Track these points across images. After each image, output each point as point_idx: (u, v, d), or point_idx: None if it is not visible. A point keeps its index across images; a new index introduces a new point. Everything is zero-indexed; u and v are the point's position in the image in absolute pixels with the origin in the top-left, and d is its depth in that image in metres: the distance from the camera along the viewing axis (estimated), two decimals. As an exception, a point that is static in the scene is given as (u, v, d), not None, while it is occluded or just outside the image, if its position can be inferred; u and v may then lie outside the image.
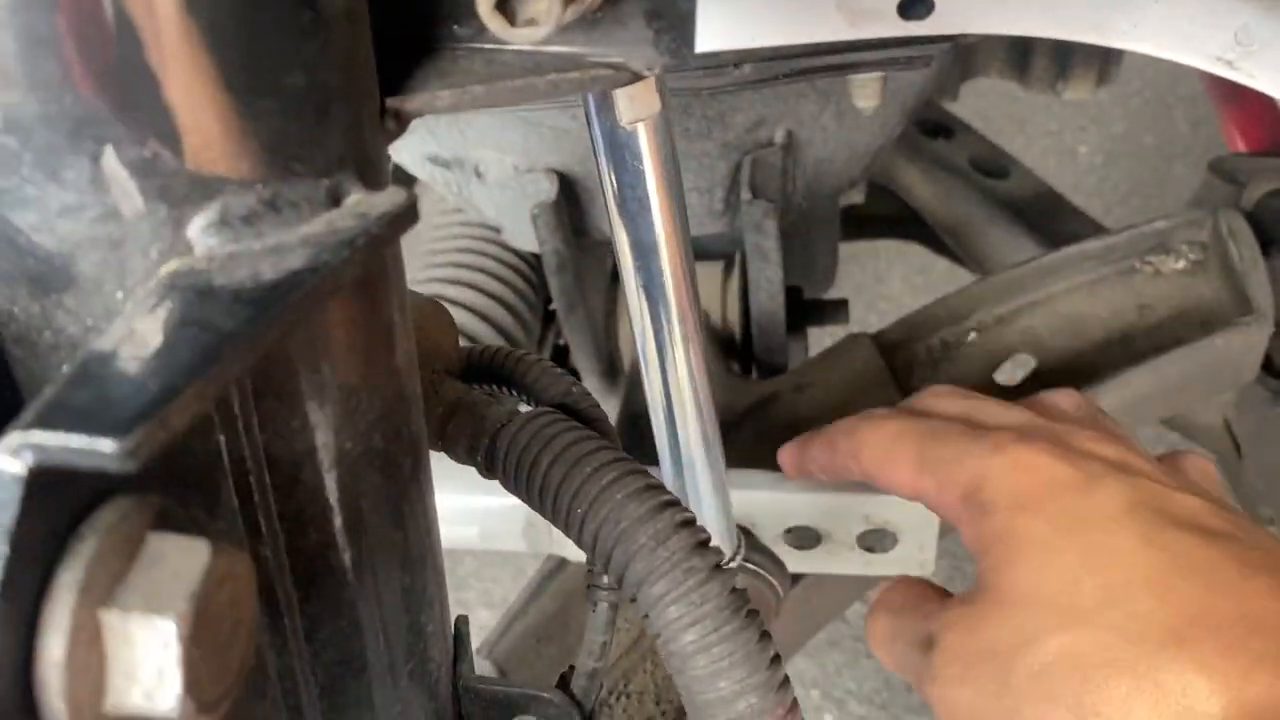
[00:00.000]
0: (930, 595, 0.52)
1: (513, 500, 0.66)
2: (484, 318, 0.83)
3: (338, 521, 0.31)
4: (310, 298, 0.23)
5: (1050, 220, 0.99)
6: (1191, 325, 0.81)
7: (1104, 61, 1.05)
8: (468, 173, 0.76)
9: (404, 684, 0.36)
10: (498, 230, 0.84)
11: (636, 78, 0.32)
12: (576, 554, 0.68)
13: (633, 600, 0.34)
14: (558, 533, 0.67)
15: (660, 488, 0.35)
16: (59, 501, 0.21)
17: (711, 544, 0.34)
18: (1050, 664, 0.42)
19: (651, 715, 0.68)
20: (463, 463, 0.39)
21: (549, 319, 0.91)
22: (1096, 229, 0.97)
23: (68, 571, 0.21)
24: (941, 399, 0.57)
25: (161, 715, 0.22)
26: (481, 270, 0.86)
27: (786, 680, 0.34)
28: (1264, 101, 1.03)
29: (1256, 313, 0.77)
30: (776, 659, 0.34)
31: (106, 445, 0.19)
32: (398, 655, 0.35)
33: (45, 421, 0.20)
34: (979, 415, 0.54)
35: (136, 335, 0.22)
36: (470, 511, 0.66)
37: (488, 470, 0.39)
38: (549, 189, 0.73)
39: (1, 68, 0.22)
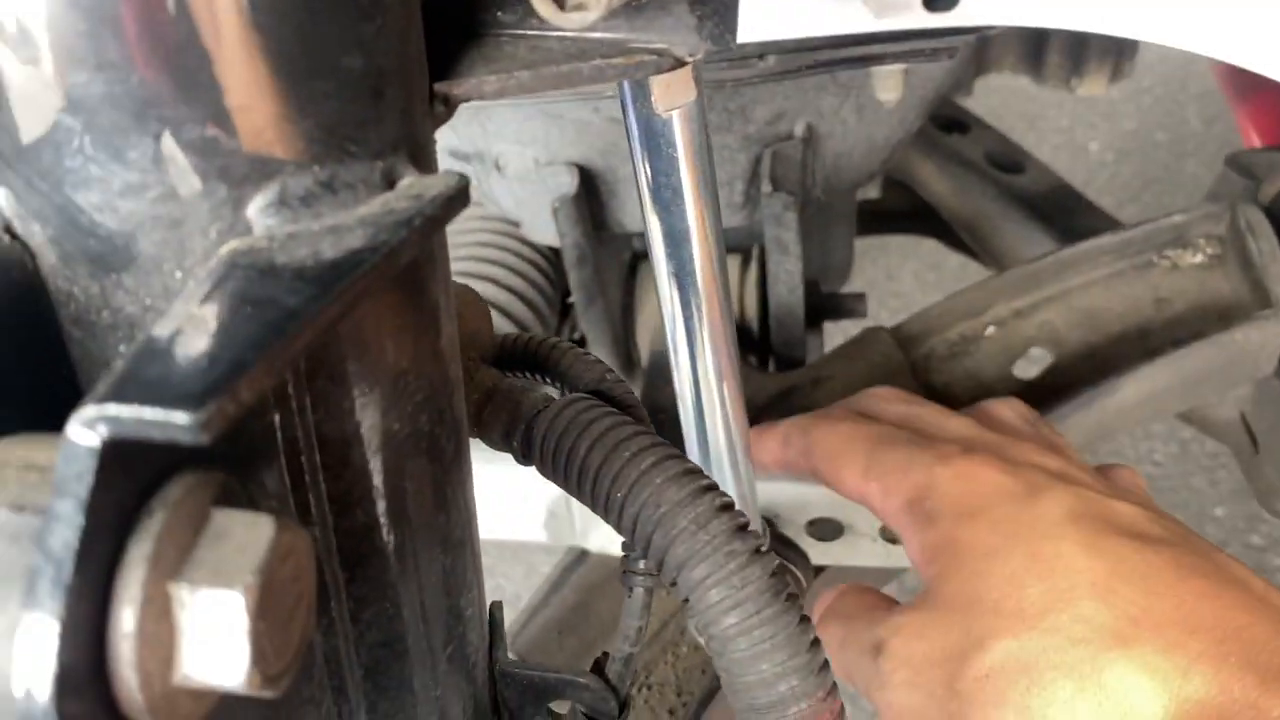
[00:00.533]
0: (879, 603, 0.53)
1: (535, 492, 0.66)
2: (502, 311, 0.84)
3: (383, 503, 0.31)
4: (371, 276, 0.23)
5: (1065, 215, 0.99)
6: (1209, 319, 0.81)
7: (1118, 57, 1.05)
8: (488, 166, 0.76)
9: (443, 667, 0.36)
10: (516, 224, 0.84)
11: (679, 64, 0.32)
12: (597, 546, 0.69)
13: (672, 584, 0.35)
14: (579, 524, 0.68)
15: (699, 472, 0.35)
16: (130, 475, 0.21)
17: (749, 527, 0.34)
18: (997, 668, 0.43)
19: (673, 707, 0.68)
20: (498, 448, 0.40)
21: (565, 312, 0.92)
22: (1112, 224, 0.97)
23: (138, 545, 0.21)
24: (885, 401, 0.59)
25: (230, 685, 0.22)
26: (499, 264, 0.86)
27: (827, 664, 0.34)
28: (1276, 99, 1.03)
29: (1276, 307, 0.77)
30: (816, 642, 0.34)
31: (181, 417, 0.20)
32: (437, 638, 0.35)
33: (119, 395, 0.20)
34: (922, 422, 0.57)
35: (202, 311, 0.22)
36: (492, 503, 0.66)
37: (524, 456, 0.39)
38: (570, 182, 0.73)
39: (70, 48, 0.23)
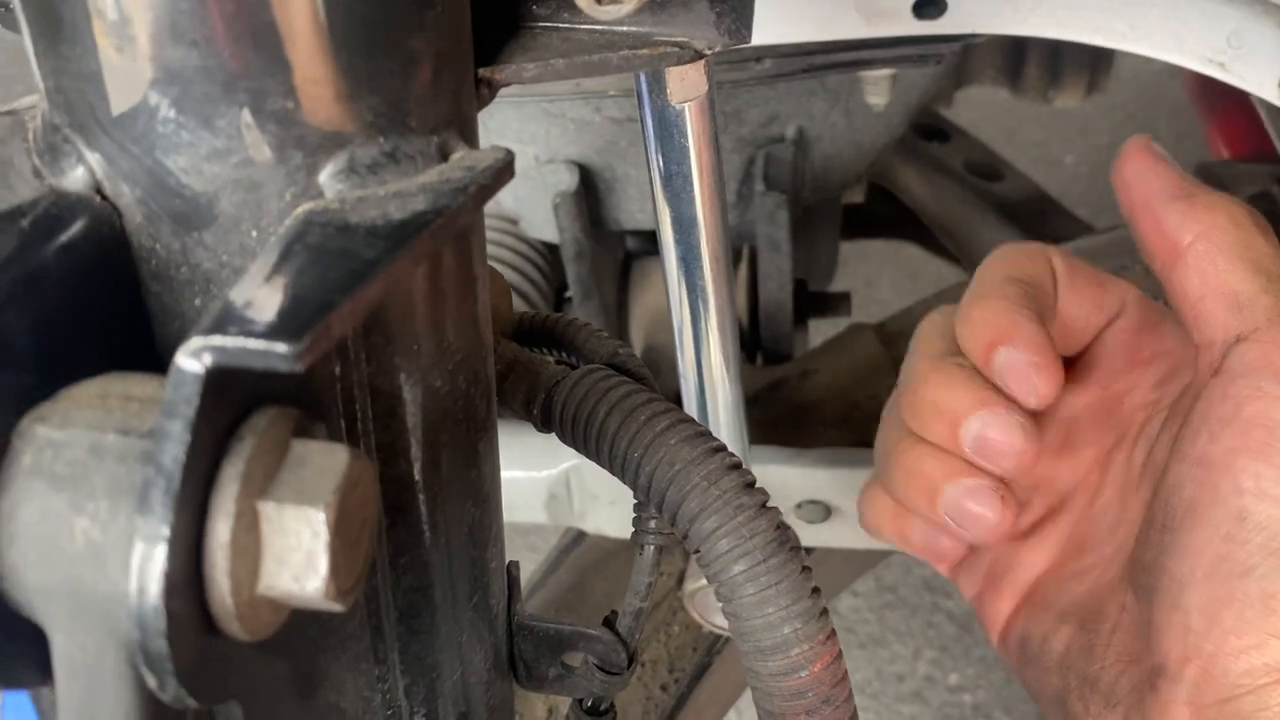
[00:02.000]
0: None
1: (537, 474, 0.69)
2: (500, 305, 0.86)
3: (423, 454, 0.34)
4: (436, 234, 0.26)
5: (1042, 221, 1.03)
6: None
7: (1094, 71, 1.09)
8: (490, 163, 0.79)
9: (468, 615, 0.39)
10: (514, 221, 0.87)
11: (699, 56, 0.35)
12: (595, 527, 0.71)
13: (684, 537, 0.37)
14: (579, 506, 0.70)
15: (709, 434, 0.38)
16: (227, 403, 0.24)
17: (757, 484, 0.37)
18: None
19: (665, 683, 0.71)
20: (519, 417, 0.42)
21: (560, 307, 0.94)
22: (1086, 230, 1.01)
23: (232, 465, 0.24)
24: None
25: (308, 596, 0.24)
26: (497, 259, 0.89)
27: (826, 611, 0.37)
28: (1246, 110, 1.07)
29: (1240, 308, 0.81)
30: (817, 590, 0.37)
31: (280, 347, 0.22)
32: (464, 587, 0.38)
33: (221, 328, 0.23)
34: None
35: (288, 261, 0.25)
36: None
37: (544, 423, 0.41)
38: (570, 179, 0.76)
39: (168, 26, 0.25)
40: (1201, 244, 0.42)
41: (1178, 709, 0.40)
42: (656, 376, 0.82)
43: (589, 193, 0.79)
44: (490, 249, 0.89)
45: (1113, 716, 0.44)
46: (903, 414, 0.49)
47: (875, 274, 1.71)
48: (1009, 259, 0.49)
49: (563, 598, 0.74)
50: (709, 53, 0.35)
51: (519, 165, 0.79)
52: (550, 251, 0.90)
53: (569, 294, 0.84)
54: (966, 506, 0.46)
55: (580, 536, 0.75)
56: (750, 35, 0.35)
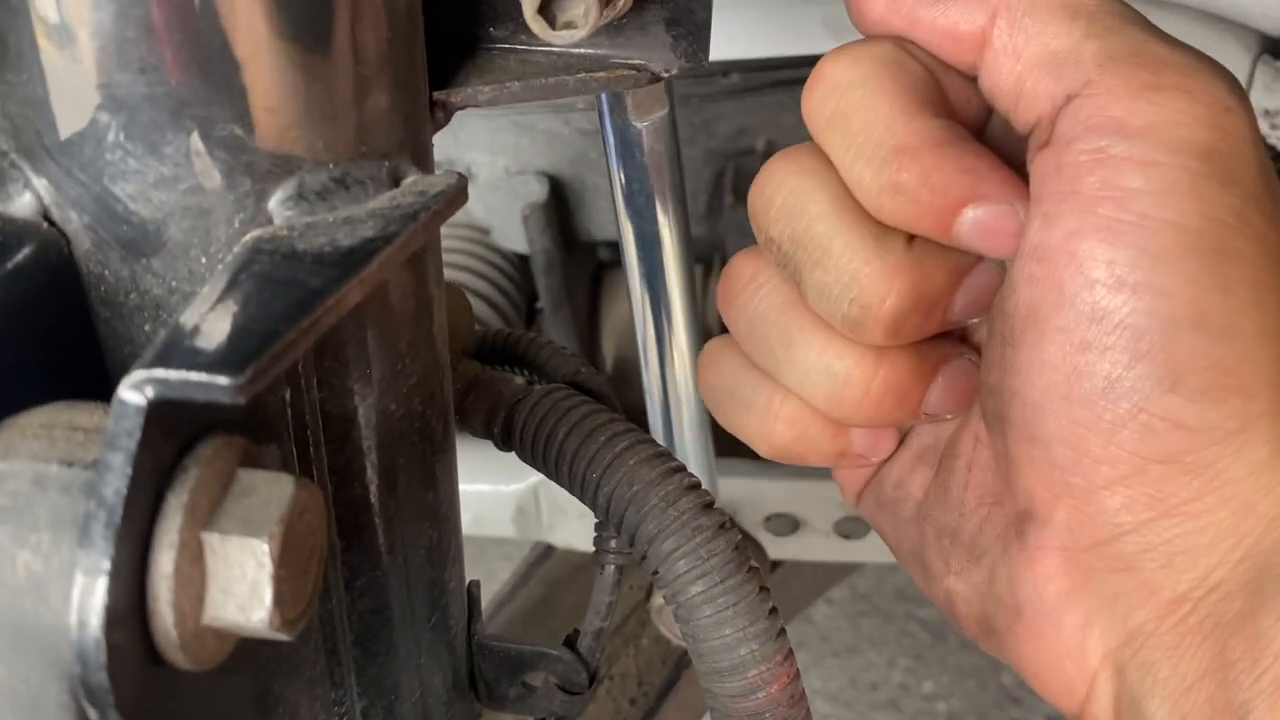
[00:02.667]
0: None
1: (505, 488, 0.69)
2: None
3: (378, 478, 0.34)
4: (384, 261, 0.26)
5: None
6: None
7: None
8: (460, 174, 0.79)
9: (426, 637, 0.39)
10: (485, 231, 0.87)
11: (655, 79, 0.35)
12: (564, 541, 0.71)
13: (643, 558, 0.37)
14: (547, 520, 0.70)
15: (669, 455, 0.38)
16: (170, 435, 0.24)
17: (715, 505, 0.37)
18: None
19: (634, 696, 0.71)
20: (479, 435, 0.42)
21: (531, 318, 0.94)
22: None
23: (175, 496, 0.24)
24: None
25: (253, 626, 0.24)
26: (467, 270, 0.89)
27: (784, 631, 0.37)
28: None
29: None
30: (774, 611, 0.37)
31: (222, 380, 0.22)
32: (422, 609, 0.38)
33: (164, 361, 0.22)
34: None
35: (234, 291, 0.25)
36: (462, 498, 0.69)
37: (504, 442, 0.41)
38: (540, 190, 0.76)
39: (115, 51, 0.25)
40: (1001, 19, 0.33)
41: (1049, 557, 0.34)
42: (627, 387, 0.83)
43: (559, 204, 0.79)
44: (461, 259, 0.89)
45: (977, 572, 0.37)
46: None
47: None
48: (879, 72, 0.35)
49: (532, 611, 0.74)
50: (665, 75, 0.35)
51: (489, 176, 0.79)
52: (521, 262, 0.90)
53: (540, 304, 0.84)
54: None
55: (549, 550, 0.75)
56: (706, 58, 0.35)
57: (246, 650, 0.27)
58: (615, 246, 0.91)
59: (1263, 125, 0.60)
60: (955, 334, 0.38)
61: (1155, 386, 0.31)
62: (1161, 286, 0.31)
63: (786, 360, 0.38)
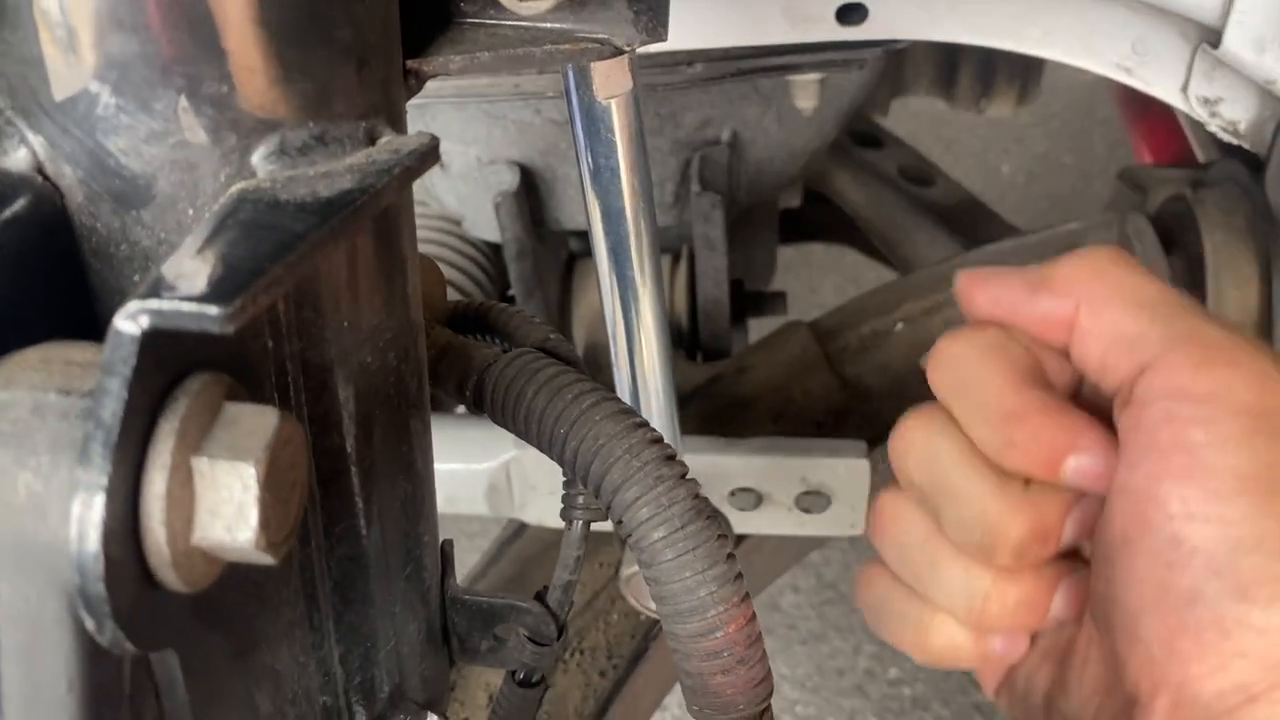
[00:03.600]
0: None
1: (477, 466, 0.71)
2: (444, 304, 0.88)
3: (355, 428, 0.35)
4: (361, 210, 0.28)
5: (972, 224, 1.06)
6: (1099, 318, 0.88)
7: (1024, 81, 1.13)
8: (433, 164, 0.81)
9: (401, 586, 0.40)
10: (457, 221, 0.89)
11: (618, 52, 0.37)
12: (535, 518, 0.73)
13: (608, 508, 0.39)
14: (519, 497, 0.72)
15: (633, 412, 0.40)
16: (162, 364, 0.25)
17: (677, 458, 0.39)
18: None
19: (603, 669, 0.73)
20: (452, 398, 0.44)
21: (504, 308, 0.96)
22: (1014, 232, 1.05)
23: (167, 422, 0.25)
24: None
25: (239, 546, 0.26)
26: (441, 259, 0.90)
27: (740, 575, 0.39)
28: (1166, 117, 1.12)
29: (1156, 305, 0.85)
30: (732, 556, 0.39)
31: (212, 310, 0.24)
32: (397, 559, 0.40)
33: (156, 293, 0.24)
34: None
35: (221, 234, 0.26)
36: (435, 477, 0.70)
37: (475, 405, 0.43)
38: (511, 180, 0.78)
39: (109, 13, 0.27)
40: (1084, 309, 0.42)
41: None
42: (598, 374, 0.84)
43: (530, 193, 0.81)
44: (434, 249, 0.90)
45: None
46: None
47: (818, 280, 1.75)
48: (991, 354, 0.44)
49: (504, 588, 0.75)
50: (627, 49, 0.37)
51: (461, 166, 0.81)
52: (494, 251, 0.92)
53: (512, 292, 0.86)
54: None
55: (521, 529, 0.76)
56: (666, 34, 0.37)
57: (232, 582, 0.29)
58: (586, 236, 0.93)
59: (1202, 113, 0.63)
60: (1069, 553, 0.45)
61: (1228, 596, 0.38)
62: (1226, 517, 0.38)
63: (933, 581, 0.45)
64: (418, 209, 0.94)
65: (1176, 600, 0.39)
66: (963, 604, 0.45)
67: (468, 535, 1.44)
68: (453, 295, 0.89)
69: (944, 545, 0.45)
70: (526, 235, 0.80)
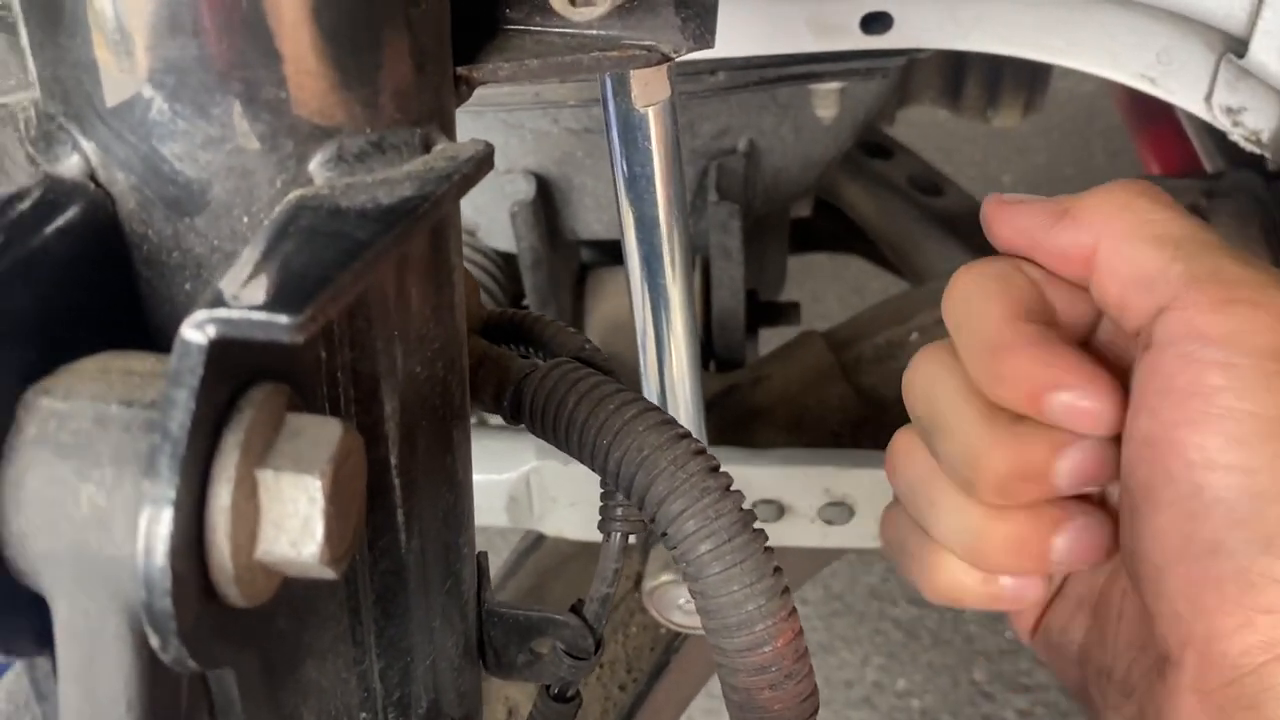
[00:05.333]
0: None
1: (497, 477, 0.70)
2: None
3: (401, 439, 0.35)
4: (423, 218, 0.27)
5: (981, 234, 1.06)
6: (1112, 326, 0.88)
7: (1031, 91, 1.13)
8: (448, 173, 0.80)
9: (440, 600, 0.40)
10: (471, 230, 0.88)
11: (665, 59, 0.37)
12: (554, 529, 0.72)
13: (652, 520, 0.39)
14: (538, 508, 0.72)
15: (675, 422, 0.39)
16: (227, 375, 0.25)
17: (721, 469, 0.39)
18: None
19: (623, 683, 0.72)
20: (489, 410, 0.44)
21: (516, 318, 0.95)
22: (1025, 242, 1.05)
23: (232, 434, 0.25)
24: None
25: (303, 561, 0.26)
26: (453, 269, 0.90)
27: (788, 589, 0.38)
28: (1173, 129, 1.12)
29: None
30: (779, 569, 0.38)
31: (281, 319, 0.23)
32: (437, 572, 0.39)
33: (223, 301, 0.24)
34: None
35: (284, 242, 0.26)
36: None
37: (514, 415, 0.43)
38: (527, 189, 0.78)
39: (165, 19, 0.26)
40: (1104, 245, 0.40)
41: (1185, 697, 0.38)
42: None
43: (546, 203, 0.80)
44: (447, 259, 0.90)
45: (1129, 707, 0.43)
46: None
47: (822, 290, 1.75)
48: (992, 286, 0.43)
49: (522, 600, 0.75)
50: (675, 56, 0.37)
51: (476, 175, 0.81)
52: (507, 261, 0.92)
53: (526, 302, 0.85)
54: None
55: (540, 539, 0.76)
56: (714, 40, 0.37)
57: (286, 597, 0.28)
58: (599, 246, 0.93)
59: (1225, 122, 0.63)
60: (1091, 499, 0.44)
61: (1252, 548, 0.36)
62: (1247, 465, 0.36)
63: (933, 518, 0.44)
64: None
65: (1199, 552, 0.37)
66: (957, 540, 0.43)
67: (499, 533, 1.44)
68: (465, 305, 0.88)
69: (940, 480, 0.44)
70: (542, 245, 0.80)
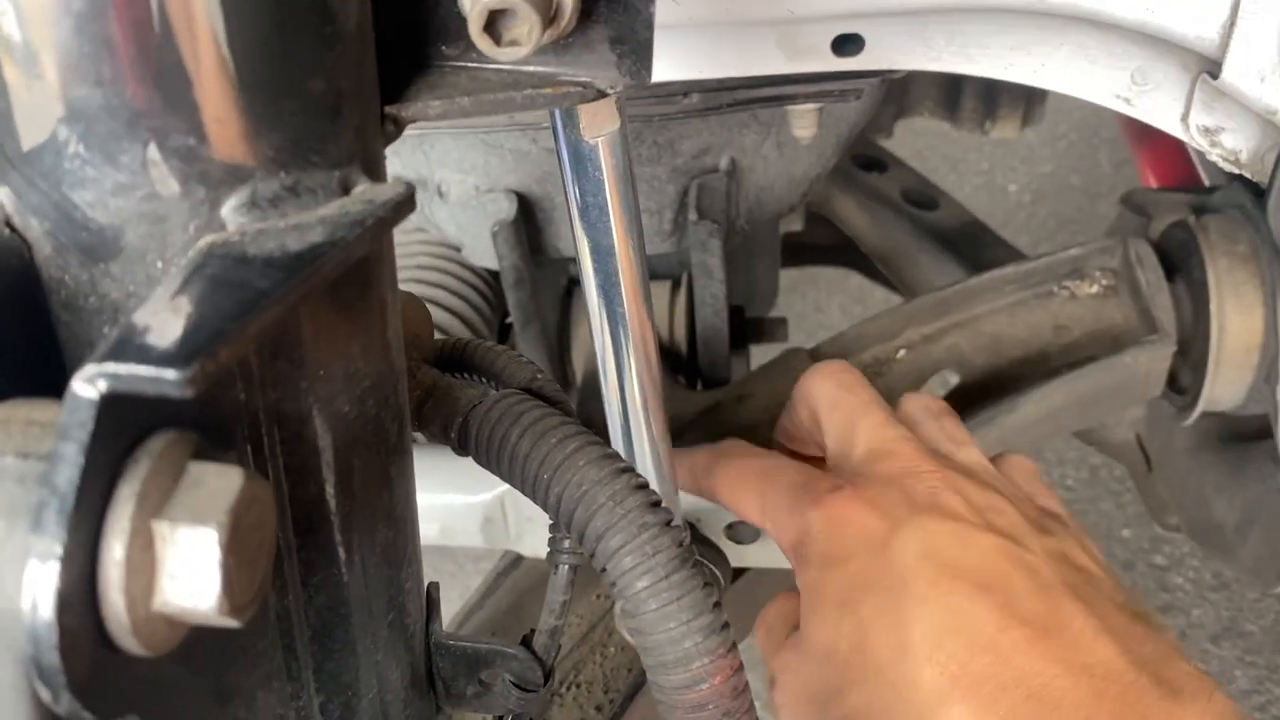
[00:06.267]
0: (785, 622, 0.58)
1: (472, 499, 0.70)
2: (443, 331, 0.87)
3: (333, 477, 0.35)
4: (331, 265, 0.27)
5: (976, 248, 1.06)
6: (1103, 344, 0.87)
7: (1029, 104, 1.12)
8: (430, 192, 0.80)
9: (383, 634, 0.40)
10: (457, 249, 0.88)
11: (601, 95, 0.37)
12: (531, 550, 0.72)
13: (591, 555, 0.39)
14: (514, 529, 0.71)
15: (617, 456, 0.39)
16: (122, 427, 0.25)
17: (662, 504, 0.38)
18: (850, 716, 0.47)
19: (600, 703, 0.72)
20: (437, 441, 0.43)
21: (504, 333, 0.95)
22: (1018, 256, 1.04)
23: (127, 485, 0.25)
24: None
25: (203, 612, 0.25)
26: (440, 286, 0.90)
27: (727, 625, 0.38)
28: (1170, 142, 1.11)
29: (1161, 332, 0.84)
30: (718, 605, 0.38)
31: (170, 374, 0.23)
32: (379, 606, 0.39)
33: (116, 355, 0.24)
34: (835, 434, 0.58)
35: (186, 291, 0.26)
36: (431, 509, 0.70)
37: (461, 447, 0.43)
38: (508, 208, 0.78)
39: (74, 65, 0.27)
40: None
41: None
42: (597, 400, 0.84)
43: (528, 221, 0.80)
44: (434, 276, 0.90)
45: None
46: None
47: (824, 301, 1.74)
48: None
49: (500, 620, 0.75)
50: (610, 92, 0.36)
51: (459, 194, 0.81)
52: (494, 278, 0.92)
53: (511, 320, 0.85)
54: None
55: (518, 560, 0.75)
56: (650, 76, 0.37)
57: (201, 640, 0.28)
58: (584, 263, 0.93)
59: (1202, 143, 0.62)
60: None
61: None
62: None
63: None
64: (418, 236, 0.94)
65: None
66: None
67: (473, 559, 1.44)
68: (453, 323, 0.88)
69: None
70: (524, 263, 0.80)
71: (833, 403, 0.59)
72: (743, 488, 0.58)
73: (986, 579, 0.47)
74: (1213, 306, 0.83)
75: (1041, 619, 0.45)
